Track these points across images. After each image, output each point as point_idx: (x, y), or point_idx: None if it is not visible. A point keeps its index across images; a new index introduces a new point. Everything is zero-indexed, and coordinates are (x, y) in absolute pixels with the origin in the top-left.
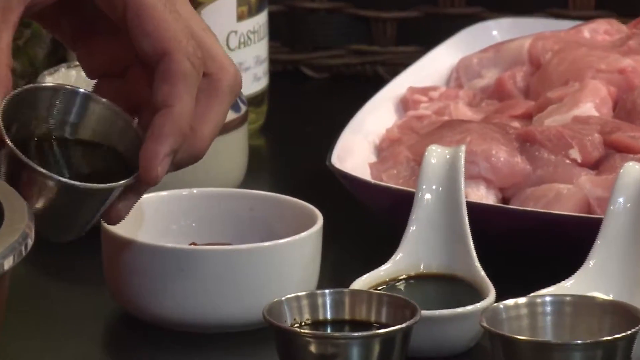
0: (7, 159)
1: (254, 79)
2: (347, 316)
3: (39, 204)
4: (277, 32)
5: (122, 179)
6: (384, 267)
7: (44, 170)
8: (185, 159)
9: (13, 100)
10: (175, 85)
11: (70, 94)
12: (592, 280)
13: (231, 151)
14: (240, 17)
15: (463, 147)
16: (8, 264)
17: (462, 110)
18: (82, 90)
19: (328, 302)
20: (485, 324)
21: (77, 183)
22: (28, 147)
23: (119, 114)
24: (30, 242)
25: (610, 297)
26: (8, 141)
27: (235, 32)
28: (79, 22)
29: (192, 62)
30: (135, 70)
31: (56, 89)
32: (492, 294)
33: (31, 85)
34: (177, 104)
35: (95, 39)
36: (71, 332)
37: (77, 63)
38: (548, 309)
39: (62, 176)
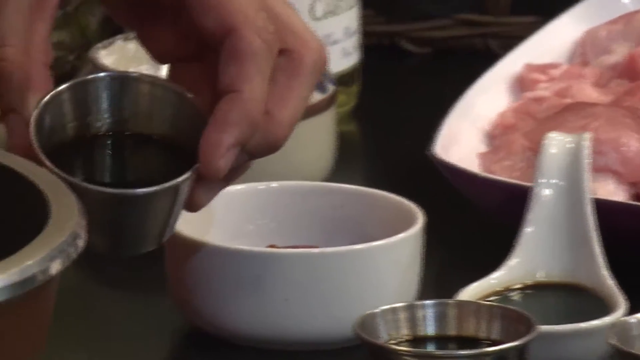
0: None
1: (343, 54)
2: (452, 331)
3: (94, 219)
4: None
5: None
6: (495, 274)
7: (78, 181)
8: (261, 149)
9: (53, 102)
10: (243, 65)
11: (119, 81)
12: None
13: (317, 138)
14: None
15: (588, 135)
16: (56, 268)
17: (588, 92)
18: (133, 74)
19: (430, 315)
20: (613, 342)
21: (119, 191)
22: (74, 153)
23: (182, 97)
24: (80, 243)
25: None
26: (39, 152)
27: None
28: None
29: (263, 37)
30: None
31: (101, 79)
32: (621, 306)
33: (71, 82)
34: (245, 87)
35: (157, 18)
36: (128, 349)
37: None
38: None
39: (119, 180)
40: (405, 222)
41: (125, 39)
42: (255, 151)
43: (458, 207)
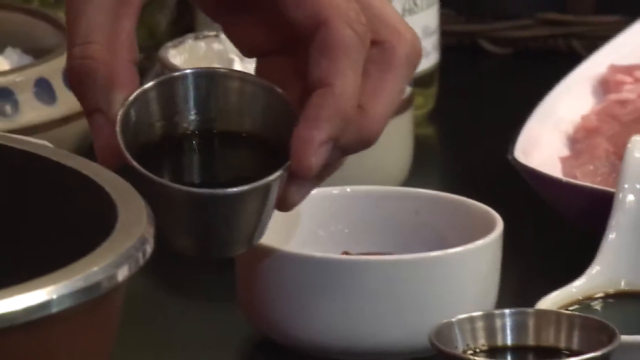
0: (137, 177)
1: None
2: (531, 341)
3: (183, 221)
4: None
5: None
6: (576, 282)
7: (166, 182)
8: (354, 145)
9: (139, 101)
10: (335, 59)
11: (207, 77)
12: None
13: (393, 142)
14: None
15: None
16: (122, 274)
17: None
18: (220, 70)
19: (508, 324)
20: None
21: (208, 191)
22: (162, 153)
23: (272, 92)
24: (149, 249)
25: None
26: (126, 153)
27: None
28: None
29: (355, 29)
30: (304, 45)
31: (188, 76)
32: None
33: (157, 79)
34: (337, 81)
35: (245, 10)
36: (196, 358)
37: (206, 33)
38: None
39: (208, 180)
40: (484, 229)
41: (196, 38)
42: (348, 147)
43: (538, 213)
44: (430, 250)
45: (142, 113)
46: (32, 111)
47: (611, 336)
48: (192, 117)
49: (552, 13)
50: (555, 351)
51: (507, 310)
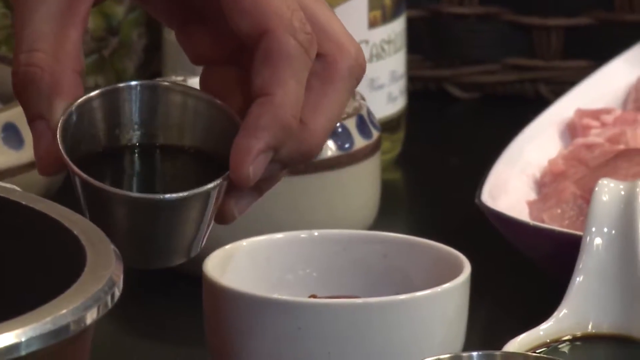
0: (78, 182)
1: (389, 99)
2: None
3: (123, 228)
4: (417, 43)
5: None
6: (544, 325)
7: (106, 187)
8: (294, 158)
9: (81, 109)
10: (277, 68)
11: (150, 90)
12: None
13: (361, 186)
14: (373, 24)
15: None
16: (91, 317)
17: None
18: (164, 83)
19: None
20: None
21: (147, 196)
22: (101, 162)
23: (215, 106)
24: (117, 292)
25: None
26: (67, 159)
27: (367, 41)
28: None
29: (299, 39)
30: (250, 55)
31: (132, 87)
32: None
33: (101, 89)
34: (278, 91)
35: (195, 18)
36: None
37: (174, 78)
38: None
39: (148, 190)
40: (452, 272)
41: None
42: (288, 160)
43: (506, 256)
44: (399, 293)
45: (85, 121)
46: (0, 156)
47: None
48: (135, 129)
49: (519, 58)
50: None
51: (474, 353)
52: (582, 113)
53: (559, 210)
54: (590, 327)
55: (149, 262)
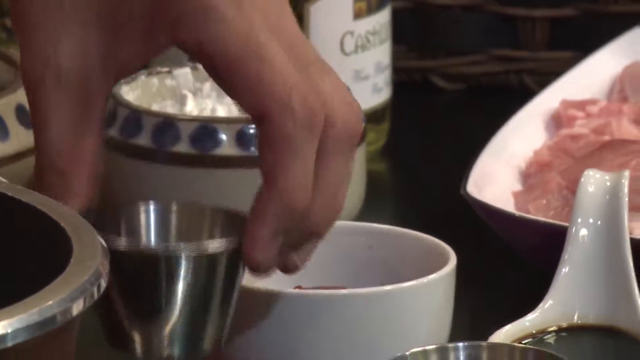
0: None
1: (374, 91)
2: None
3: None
4: (402, 34)
5: None
6: (529, 316)
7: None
8: (300, 240)
9: (96, 219)
10: (279, 153)
11: (162, 210)
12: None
13: None
14: (358, 15)
15: (627, 173)
16: (77, 308)
17: (627, 128)
18: (177, 204)
19: (462, 358)
20: None
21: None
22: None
23: (228, 213)
24: (103, 283)
25: None
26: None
27: (352, 33)
28: None
29: (299, 121)
30: None
31: (146, 208)
32: None
33: (118, 207)
34: (281, 176)
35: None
36: None
37: (159, 69)
38: None
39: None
40: (437, 263)
41: (149, 74)
42: (297, 242)
43: (492, 248)
44: (384, 284)
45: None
46: None
47: None
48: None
49: (504, 49)
50: None
51: (460, 344)
52: (567, 104)
53: (544, 201)
54: (576, 317)
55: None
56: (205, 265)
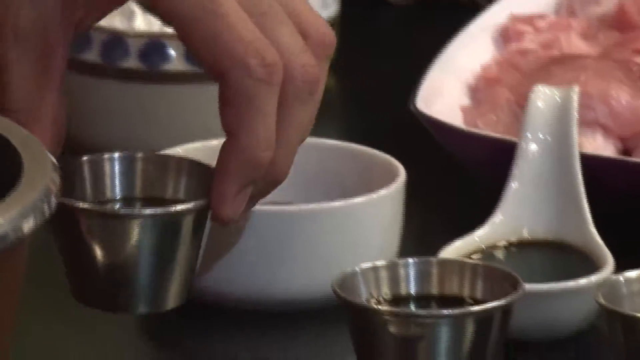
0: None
1: (323, 5)
2: (434, 290)
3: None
4: None
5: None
6: (479, 231)
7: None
8: (263, 190)
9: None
10: (237, 109)
11: (126, 160)
12: None
13: None
14: None
15: (576, 88)
16: (28, 226)
17: (575, 44)
18: (139, 153)
19: (412, 273)
20: (601, 301)
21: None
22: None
23: (193, 163)
24: (54, 200)
25: None
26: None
27: None
28: None
29: (257, 76)
30: None
31: (111, 158)
32: (609, 264)
33: (84, 157)
34: (242, 132)
35: None
36: (106, 317)
37: None
38: None
39: None
40: (387, 178)
41: None
42: (261, 192)
43: (441, 163)
44: (333, 200)
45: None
46: None
47: (514, 285)
48: (117, 193)
49: None
50: (459, 300)
51: (410, 260)
52: (515, 19)
53: (493, 117)
54: (525, 232)
55: (149, 301)
56: (169, 224)
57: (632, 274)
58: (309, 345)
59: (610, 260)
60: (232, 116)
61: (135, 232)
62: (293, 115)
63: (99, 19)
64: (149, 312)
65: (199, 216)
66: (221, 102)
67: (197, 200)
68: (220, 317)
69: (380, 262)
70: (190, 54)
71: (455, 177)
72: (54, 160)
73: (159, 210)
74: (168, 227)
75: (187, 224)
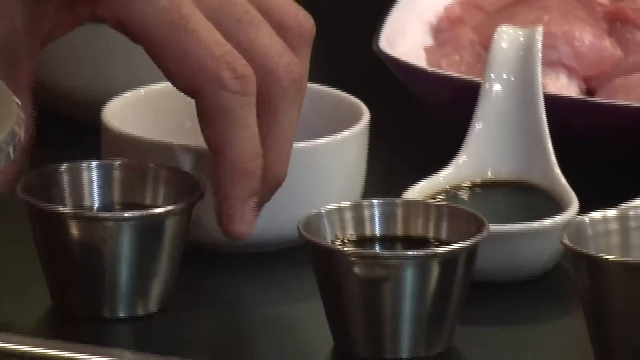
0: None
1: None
2: (399, 232)
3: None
4: None
5: None
6: (443, 172)
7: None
8: (267, 193)
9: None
10: (217, 124)
11: (104, 168)
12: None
13: None
14: None
15: (540, 29)
16: None
17: None
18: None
19: (376, 214)
20: (566, 241)
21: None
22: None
23: (169, 168)
24: (20, 141)
25: None
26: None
27: None
28: None
29: (230, 89)
30: None
31: (89, 167)
32: (574, 205)
33: (62, 165)
34: (226, 147)
35: None
36: None
37: None
38: None
39: None
40: (350, 119)
41: None
42: (265, 197)
43: (405, 104)
44: (298, 141)
45: (44, 188)
46: None
47: (479, 226)
48: (95, 199)
49: None
50: (424, 241)
51: (375, 201)
52: None
53: (457, 57)
54: (489, 173)
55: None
56: (149, 227)
57: (597, 214)
58: (278, 286)
59: (574, 201)
60: (214, 133)
61: (115, 236)
62: (282, 117)
63: (66, 32)
64: (130, 317)
65: (179, 219)
66: (201, 121)
67: (175, 204)
68: (190, 258)
69: (345, 203)
70: (164, 74)
71: (419, 118)
72: (19, 101)
73: (138, 213)
74: (148, 231)
75: (167, 228)
